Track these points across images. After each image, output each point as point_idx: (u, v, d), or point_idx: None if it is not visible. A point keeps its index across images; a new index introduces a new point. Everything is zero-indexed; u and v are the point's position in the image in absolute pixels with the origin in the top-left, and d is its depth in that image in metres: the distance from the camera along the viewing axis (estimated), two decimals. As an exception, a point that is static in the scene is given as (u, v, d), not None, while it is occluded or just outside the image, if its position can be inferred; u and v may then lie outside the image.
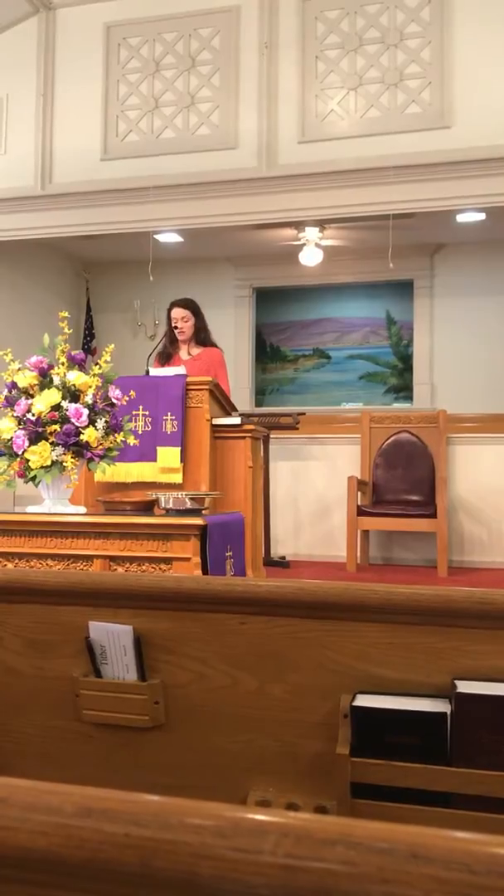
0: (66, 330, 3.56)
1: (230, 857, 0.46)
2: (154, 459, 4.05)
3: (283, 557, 6.27)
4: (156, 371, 4.54)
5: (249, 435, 4.20)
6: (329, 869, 0.45)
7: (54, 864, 0.48)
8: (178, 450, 4.02)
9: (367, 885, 0.44)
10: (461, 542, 6.42)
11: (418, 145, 5.94)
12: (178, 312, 4.85)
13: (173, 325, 4.85)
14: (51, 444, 3.35)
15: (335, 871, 0.44)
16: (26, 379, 3.45)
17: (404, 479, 6.52)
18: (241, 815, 0.48)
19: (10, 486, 3.54)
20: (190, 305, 4.87)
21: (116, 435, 3.50)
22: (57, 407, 3.37)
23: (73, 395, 3.43)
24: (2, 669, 1.58)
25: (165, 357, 4.89)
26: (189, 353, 4.88)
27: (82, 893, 0.49)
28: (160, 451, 4.05)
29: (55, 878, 0.49)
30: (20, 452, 3.38)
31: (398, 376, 8.54)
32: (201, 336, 4.88)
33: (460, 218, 6.77)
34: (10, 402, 3.46)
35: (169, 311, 4.92)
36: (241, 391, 7.81)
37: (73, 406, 3.37)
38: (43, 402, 3.36)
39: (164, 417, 4.05)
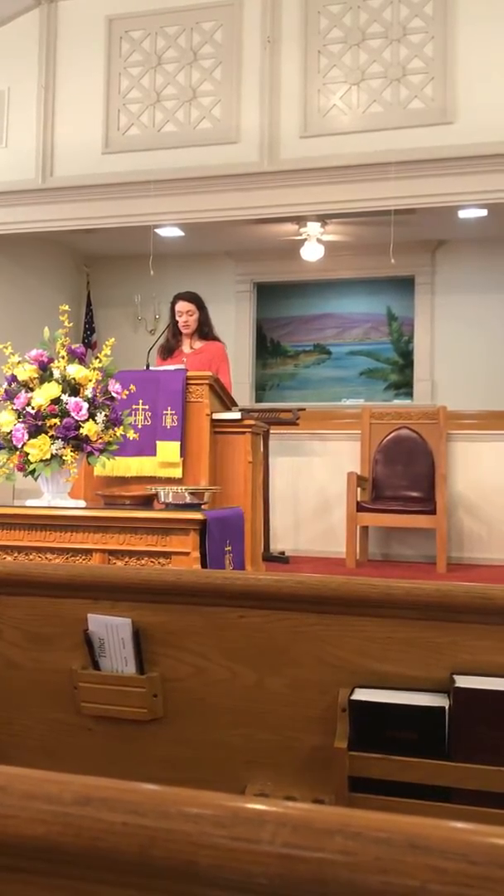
0: (66, 324, 3.55)
1: (229, 846, 0.46)
2: (154, 454, 4.05)
3: (283, 553, 6.27)
4: (157, 367, 4.54)
5: (249, 430, 4.20)
6: (327, 858, 0.45)
7: (53, 853, 0.48)
8: (177, 444, 4.02)
9: (366, 874, 0.44)
10: (460, 539, 6.43)
11: (420, 141, 5.92)
12: (183, 306, 4.83)
13: (178, 318, 4.83)
14: (50, 437, 3.35)
15: (333, 861, 0.44)
16: (26, 372, 3.45)
17: (404, 476, 6.52)
18: (239, 805, 0.48)
19: (10, 479, 3.54)
20: (195, 299, 4.85)
21: (116, 429, 3.50)
22: (57, 400, 3.37)
23: (73, 388, 3.43)
24: (1, 662, 1.58)
25: (168, 351, 4.88)
26: (192, 347, 4.86)
27: (81, 882, 0.49)
28: (160, 445, 4.04)
29: (54, 866, 0.49)
30: (20, 446, 3.37)
31: (399, 372, 8.53)
32: (205, 330, 4.86)
33: (462, 214, 6.75)
34: (10, 396, 3.46)
35: (173, 304, 4.89)
36: (241, 386, 7.80)
37: (72, 400, 3.36)
38: (43, 396, 3.36)
39: (164, 412, 4.05)
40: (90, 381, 3.44)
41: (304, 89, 6.18)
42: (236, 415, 4.28)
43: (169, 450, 4.03)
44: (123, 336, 7.21)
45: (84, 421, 3.36)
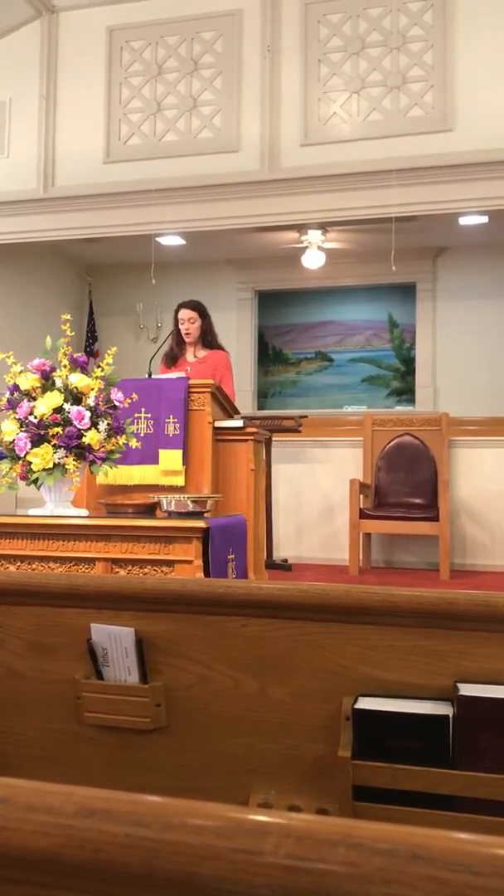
0: (68, 332, 3.56)
1: (231, 857, 0.46)
2: (156, 462, 4.05)
3: (286, 560, 6.27)
4: (159, 375, 4.55)
5: (252, 438, 4.20)
6: (330, 870, 0.45)
7: (55, 865, 0.48)
8: (179, 452, 4.02)
9: (369, 885, 0.44)
10: (463, 546, 6.42)
11: (421, 148, 5.94)
12: (185, 314, 4.85)
13: (180, 326, 4.85)
14: (53, 446, 3.35)
15: (336, 872, 0.44)
16: (28, 381, 3.46)
17: (406, 482, 6.51)
18: (242, 816, 0.48)
19: (13, 488, 3.54)
20: (197, 307, 4.87)
21: (118, 437, 3.50)
22: (59, 409, 3.37)
23: (76, 397, 3.43)
24: (4, 672, 1.58)
25: (171, 359, 4.89)
26: (195, 356, 4.87)
27: (83, 894, 0.49)
28: (162, 453, 4.05)
29: (56, 879, 0.49)
30: (22, 455, 3.38)
31: (400, 379, 8.54)
32: (208, 338, 4.88)
33: (463, 221, 6.77)
34: (13, 405, 3.46)
35: (176, 312, 4.91)
36: (243, 394, 7.82)
37: (75, 408, 3.37)
38: (45, 405, 3.37)
39: (166, 420, 4.06)
40: (92, 389, 3.44)
41: (305, 98, 6.21)
42: (238, 423, 4.29)
43: (171, 458, 4.03)
44: (125, 344, 7.23)
45: (86, 430, 3.37)
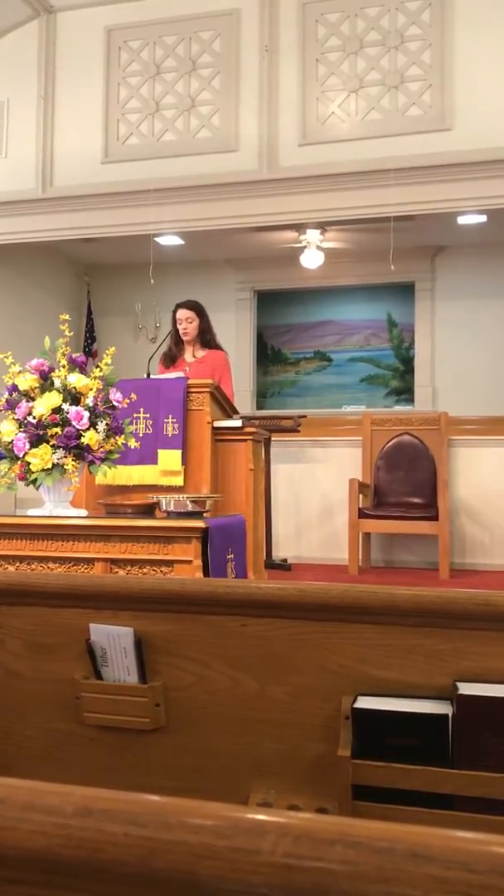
0: (66, 333, 3.56)
1: (229, 856, 0.46)
2: (155, 462, 4.05)
3: (285, 560, 6.27)
4: (158, 375, 4.55)
5: (251, 437, 4.20)
6: (328, 868, 0.45)
7: (54, 864, 0.48)
8: (178, 453, 4.02)
9: (366, 884, 0.44)
10: (463, 545, 6.42)
11: (419, 147, 5.94)
12: (182, 313, 4.86)
13: (178, 326, 4.86)
14: (52, 446, 3.35)
15: (334, 871, 0.44)
16: (27, 382, 3.45)
17: (406, 482, 6.51)
18: (240, 815, 0.48)
19: (12, 488, 3.54)
20: (195, 307, 4.88)
21: (117, 438, 3.50)
22: (58, 410, 3.37)
23: (74, 397, 3.43)
24: (3, 672, 1.58)
25: (170, 359, 4.90)
26: (194, 356, 4.88)
27: (82, 893, 0.49)
28: (161, 453, 4.05)
29: (54, 878, 0.49)
30: (21, 455, 3.38)
31: (399, 379, 8.54)
32: (206, 338, 4.89)
33: (461, 220, 6.77)
34: (11, 405, 3.46)
35: (174, 312, 4.93)
36: (242, 394, 7.82)
37: (73, 409, 3.36)
38: (44, 405, 3.36)
39: (165, 420, 4.05)
40: (91, 389, 3.44)
41: (303, 97, 6.20)
42: (237, 422, 4.29)
43: (170, 458, 4.03)
44: (124, 345, 7.23)
45: (85, 430, 3.36)
